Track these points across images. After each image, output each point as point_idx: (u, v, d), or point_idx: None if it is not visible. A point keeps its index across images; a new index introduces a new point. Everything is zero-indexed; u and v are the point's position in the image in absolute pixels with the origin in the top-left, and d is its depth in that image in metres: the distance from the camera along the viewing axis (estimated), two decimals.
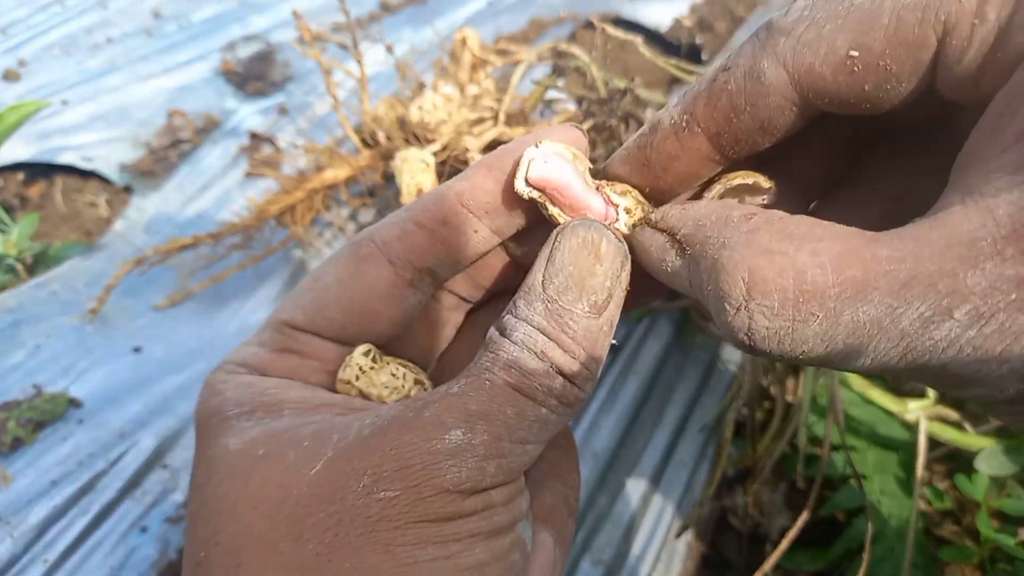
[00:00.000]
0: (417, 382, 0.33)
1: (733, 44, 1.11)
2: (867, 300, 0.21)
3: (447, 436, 0.26)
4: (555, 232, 0.28)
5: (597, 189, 0.30)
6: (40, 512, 0.60)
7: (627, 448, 0.72)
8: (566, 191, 0.29)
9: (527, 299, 0.28)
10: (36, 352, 0.70)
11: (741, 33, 1.13)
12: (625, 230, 0.30)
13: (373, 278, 0.32)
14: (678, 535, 0.61)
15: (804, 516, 0.51)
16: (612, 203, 0.30)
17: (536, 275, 0.28)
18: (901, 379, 0.24)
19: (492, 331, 0.28)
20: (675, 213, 0.27)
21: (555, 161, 0.29)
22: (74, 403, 0.67)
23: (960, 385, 0.22)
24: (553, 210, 0.30)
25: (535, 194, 0.29)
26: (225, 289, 0.77)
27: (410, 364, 0.34)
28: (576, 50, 0.68)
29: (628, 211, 0.30)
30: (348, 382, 0.32)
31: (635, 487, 0.70)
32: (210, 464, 0.29)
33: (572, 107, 0.70)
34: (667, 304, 0.75)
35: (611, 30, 0.67)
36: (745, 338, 0.23)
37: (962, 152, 0.22)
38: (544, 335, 0.27)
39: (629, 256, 0.28)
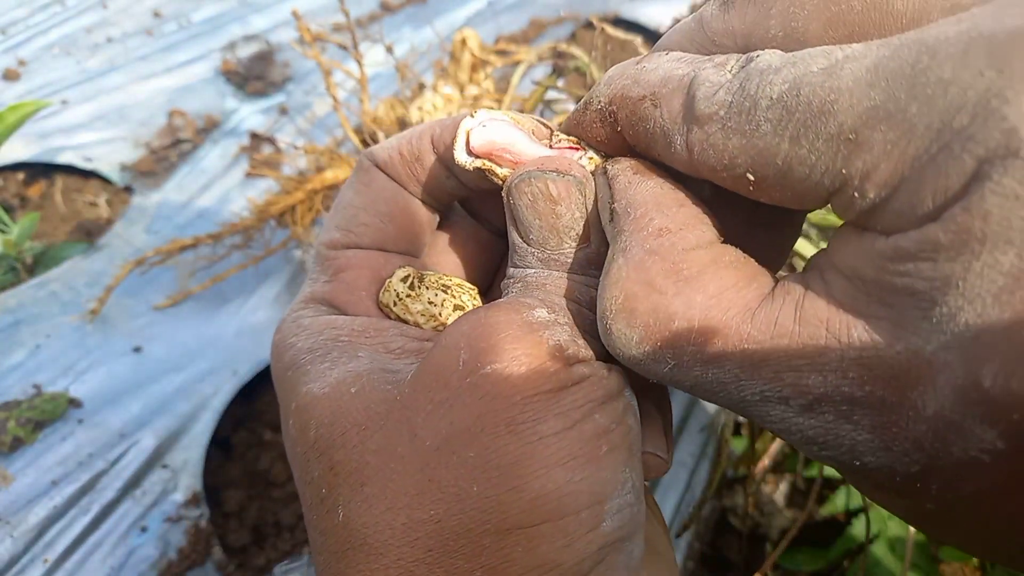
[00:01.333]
0: (457, 307, 0.32)
1: None
2: (719, 367, 0.23)
3: (535, 311, 0.26)
4: (504, 194, 0.28)
5: (551, 144, 0.30)
6: (40, 512, 0.60)
7: None
8: (513, 148, 0.28)
9: (518, 256, 0.29)
10: (36, 352, 0.70)
11: None
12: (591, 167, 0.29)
13: (380, 187, 0.33)
14: (677, 535, 0.61)
15: (804, 516, 0.51)
16: (571, 148, 0.30)
17: (514, 237, 0.29)
18: None
19: (503, 284, 0.29)
20: (623, 178, 0.27)
21: (494, 124, 0.29)
22: (74, 403, 0.67)
23: (795, 444, 0.23)
24: (503, 172, 0.29)
25: (479, 163, 0.29)
26: (225, 289, 0.77)
27: (454, 283, 0.33)
28: (576, 50, 0.68)
29: (590, 159, 0.30)
30: (387, 306, 0.32)
31: None
32: (301, 412, 0.29)
33: (572, 107, 0.70)
34: None
35: (610, 30, 0.67)
36: (604, 340, 0.25)
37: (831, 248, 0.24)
38: (541, 301, 0.28)
39: (587, 178, 0.28)
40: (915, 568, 0.59)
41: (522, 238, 0.29)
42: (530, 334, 0.25)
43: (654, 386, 0.31)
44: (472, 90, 0.70)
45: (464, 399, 0.25)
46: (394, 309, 0.32)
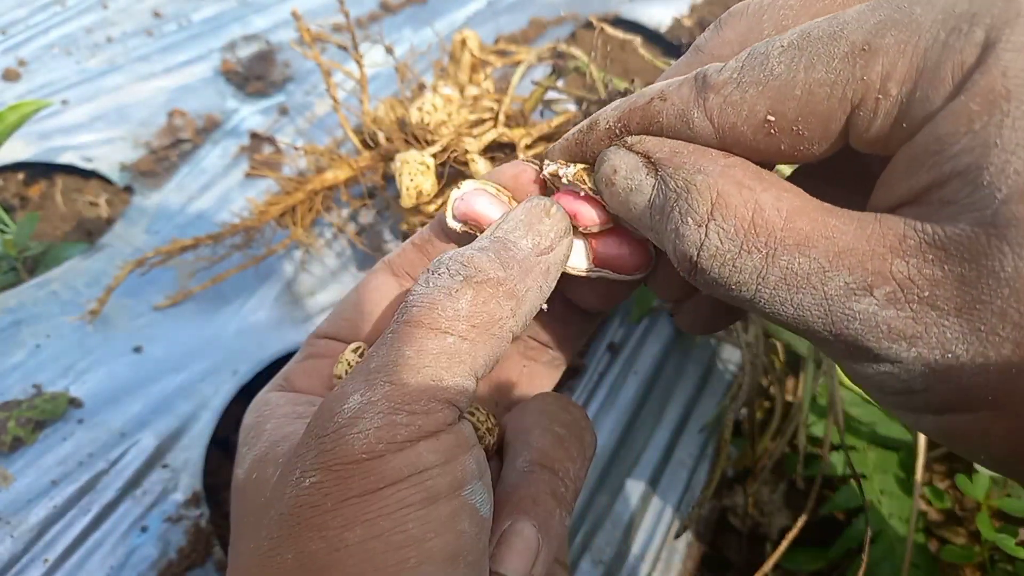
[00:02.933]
0: None
1: None
2: (805, 254, 0.23)
3: (346, 404, 0.25)
4: (518, 204, 0.32)
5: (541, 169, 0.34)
6: (40, 512, 0.60)
7: (627, 448, 0.72)
8: (484, 219, 0.33)
9: (474, 241, 0.30)
10: (36, 352, 0.70)
11: None
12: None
13: (378, 283, 0.36)
14: (677, 535, 0.61)
15: (804, 516, 0.51)
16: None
17: (487, 231, 0.31)
18: (813, 342, 0.26)
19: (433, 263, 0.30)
20: (651, 140, 0.29)
21: (471, 196, 0.33)
22: (74, 403, 0.67)
23: (870, 360, 0.24)
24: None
25: (463, 227, 0.33)
26: (225, 289, 0.77)
27: None
28: (576, 51, 0.68)
29: (582, 168, 0.33)
30: (339, 376, 0.34)
31: (635, 487, 0.70)
32: (232, 494, 0.32)
33: (572, 108, 0.70)
34: (667, 304, 0.75)
35: (610, 30, 0.67)
36: (694, 253, 0.25)
37: (880, 184, 0.25)
38: (478, 251, 0.28)
39: (572, 233, 0.31)
40: (915, 568, 0.59)
41: (494, 229, 0.31)
42: (340, 440, 0.25)
43: (539, 502, 0.31)
44: (472, 90, 0.70)
45: (292, 509, 0.25)
46: (345, 378, 0.34)
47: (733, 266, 0.25)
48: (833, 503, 0.64)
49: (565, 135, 0.33)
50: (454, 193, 0.33)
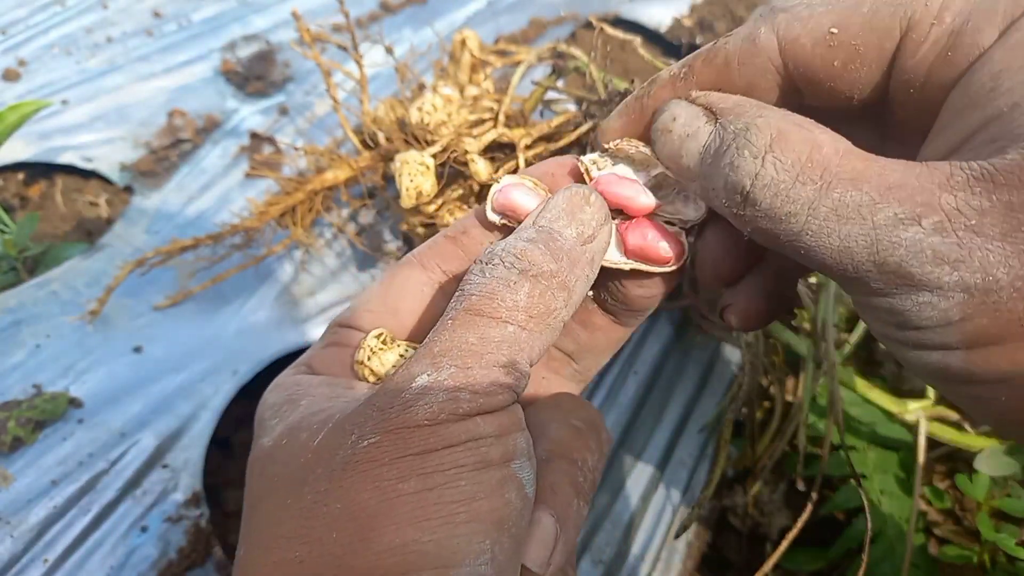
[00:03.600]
0: None
1: None
2: (857, 188, 0.25)
3: (414, 382, 0.27)
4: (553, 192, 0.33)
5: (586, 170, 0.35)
6: (40, 512, 0.60)
7: (627, 448, 0.72)
8: (522, 210, 0.34)
9: (517, 231, 0.31)
10: (36, 352, 0.70)
11: None
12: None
13: (405, 277, 0.36)
14: (677, 535, 0.61)
15: (804, 516, 0.51)
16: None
17: (529, 218, 0.32)
18: (850, 279, 0.27)
19: (472, 263, 0.31)
20: (715, 95, 0.30)
21: (509, 190, 0.34)
22: (74, 403, 0.67)
23: (910, 288, 0.25)
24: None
25: (502, 219, 0.34)
26: (226, 289, 0.77)
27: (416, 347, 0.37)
28: (576, 51, 0.68)
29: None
30: (361, 362, 0.35)
31: (635, 487, 0.70)
32: (250, 463, 0.32)
33: (572, 108, 0.70)
34: (667, 304, 0.75)
35: (610, 30, 0.67)
36: (747, 183, 0.26)
37: (930, 136, 0.27)
38: (528, 243, 0.29)
39: (611, 221, 0.32)
40: (915, 568, 0.59)
41: (535, 218, 0.32)
42: (404, 409, 0.27)
43: (557, 491, 0.32)
44: (472, 91, 0.70)
45: (345, 465, 0.27)
46: (368, 364, 0.34)
47: (787, 196, 0.26)
48: (833, 503, 0.64)
49: (623, 101, 0.34)
50: (494, 187, 0.35)
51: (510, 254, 0.29)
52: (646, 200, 0.34)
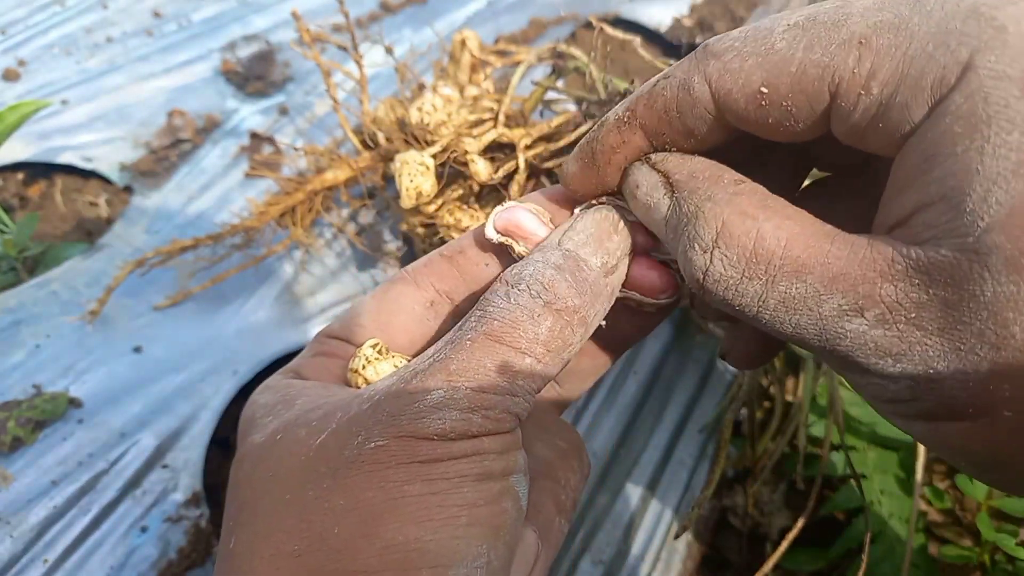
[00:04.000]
0: None
1: None
2: (802, 280, 0.25)
3: (429, 395, 0.28)
4: (579, 208, 0.33)
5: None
6: (40, 512, 0.60)
7: (627, 448, 0.72)
8: (525, 228, 0.34)
9: (543, 250, 0.31)
10: (36, 352, 0.70)
11: None
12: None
13: (398, 293, 0.36)
14: (677, 536, 0.61)
15: (804, 516, 0.51)
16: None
17: (555, 236, 0.32)
18: (816, 356, 0.28)
19: (488, 293, 0.30)
20: (674, 159, 0.30)
21: (511, 210, 0.34)
22: (74, 403, 0.67)
23: (861, 372, 0.26)
24: (520, 249, 0.34)
25: (502, 238, 0.34)
26: (226, 289, 0.77)
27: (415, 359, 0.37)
28: (576, 51, 0.68)
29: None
30: (356, 370, 0.35)
31: (635, 487, 0.70)
32: (240, 459, 0.32)
33: (572, 108, 0.70)
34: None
35: (610, 31, 0.67)
36: (700, 276, 0.27)
37: (881, 204, 0.27)
38: (556, 270, 0.30)
39: (631, 251, 0.32)
40: (915, 568, 0.59)
41: (562, 239, 0.31)
42: (418, 419, 0.27)
43: (540, 509, 0.33)
44: (472, 91, 0.70)
45: (350, 464, 0.27)
46: (363, 372, 0.35)
47: (736, 290, 0.27)
48: (833, 503, 0.64)
49: (578, 143, 0.34)
50: (497, 208, 0.35)
51: (538, 282, 0.29)
52: (643, 240, 0.34)
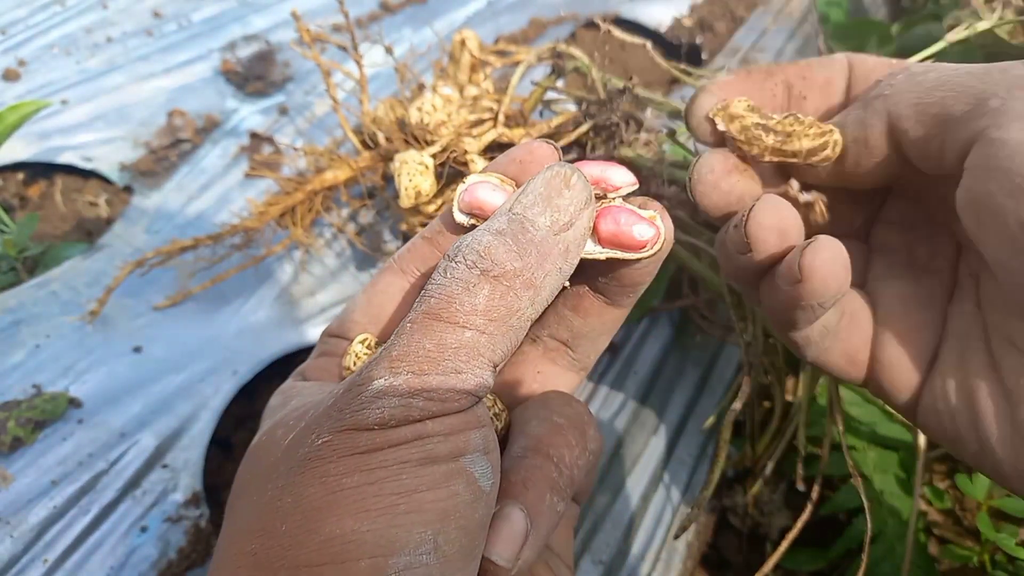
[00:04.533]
0: None
1: (733, 44, 1.11)
2: None
3: (372, 384, 0.27)
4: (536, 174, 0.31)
5: None
6: (40, 512, 0.60)
7: (627, 448, 0.72)
8: (486, 205, 0.33)
9: (491, 219, 0.30)
10: (36, 352, 0.70)
11: (741, 33, 1.13)
12: None
13: (386, 283, 0.36)
14: (677, 536, 0.61)
15: (805, 516, 0.51)
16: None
17: (506, 202, 0.30)
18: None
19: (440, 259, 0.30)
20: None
21: (475, 187, 0.33)
22: (74, 403, 0.67)
23: None
24: None
25: (470, 219, 0.33)
26: (226, 289, 0.77)
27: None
28: (576, 51, 0.68)
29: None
30: (348, 368, 0.35)
31: (635, 487, 0.70)
32: (245, 456, 0.33)
33: (572, 108, 0.70)
34: (667, 304, 0.75)
35: (618, 33, 0.67)
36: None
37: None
38: (495, 235, 0.28)
39: (595, 204, 0.31)
40: (915, 568, 0.59)
41: (512, 203, 0.30)
42: (358, 411, 0.27)
43: (529, 486, 0.32)
44: (472, 91, 0.70)
45: (300, 463, 0.28)
46: (353, 369, 0.35)
47: None
48: (833, 503, 0.64)
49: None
50: (460, 187, 0.33)
51: (473, 251, 0.28)
52: (623, 177, 0.33)
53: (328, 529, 0.26)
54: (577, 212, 0.30)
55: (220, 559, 0.29)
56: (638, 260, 0.33)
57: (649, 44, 0.67)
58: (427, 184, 0.61)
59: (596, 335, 0.38)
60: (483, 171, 0.34)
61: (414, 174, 0.60)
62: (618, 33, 0.66)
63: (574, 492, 0.35)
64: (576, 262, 0.31)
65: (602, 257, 0.32)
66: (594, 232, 0.32)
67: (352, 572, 0.26)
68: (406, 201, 0.61)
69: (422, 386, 0.27)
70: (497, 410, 0.36)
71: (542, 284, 0.29)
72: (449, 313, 0.27)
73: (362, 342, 0.35)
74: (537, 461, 0.33)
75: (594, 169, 0.33)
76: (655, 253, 0.33)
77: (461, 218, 0.33)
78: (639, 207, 0.33)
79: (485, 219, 0.32)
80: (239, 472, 0.33)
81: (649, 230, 0.32)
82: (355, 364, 0.35)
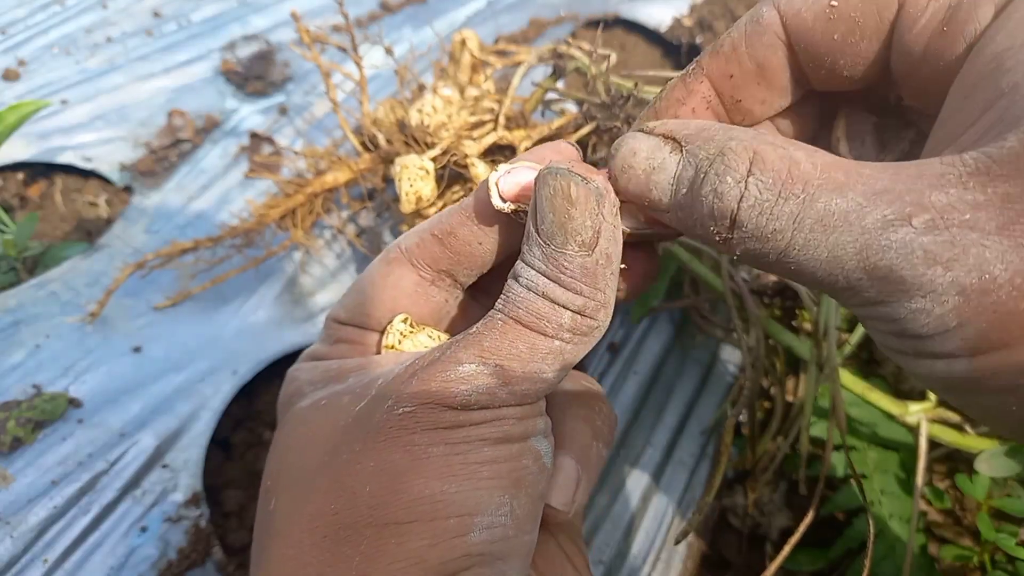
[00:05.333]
0: None
1: None
2: (842, 196, 0.24)
3: (461, 367, 0.30)
4: (534, 183, 0.31)
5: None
6: (40, 512, 0.60)
7: (627, 448, 0.72)
8: (531, 190, 0.32)
9: (528, 245, 0.31)
10: (36, 352, 0.70)
11: None
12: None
13: (399, 277, 0.37)
14: (677, 542, 0.61)
15: (807, 517, 0.51)
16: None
17: (530, 224, 0.31)
18: (841, 291, 0.26)
19: (509, 278, 0.31)
20: (673, 122, 0.30)
21: (517, 171, 0.33)
22: (74, 403, 0.67)
23: (903, 295, 0.24)
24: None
25: (513, 206, 0.33)
26: (225, 289, 0.77)
27: (442, 334, 0.39)
28: (576, 51, 0.68)
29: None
30: (392, 346, 0.36)
31: (635, 487, 0.70)
32: (283, 423, 0.35)
33: (572, 108, 0.70)
34: (667, 304, 0.75)
35: (601, 37, 0.66)
36: (734, 207, 0.26)
37: (935, 127, 0.27)
38: (544, 276, 0.30)
39: (606, 193, 0.30)
40: (915, 568, 0.59)
41: (535, 226, 0.31)
42: (445, 389, 0.29)
43: (576, 436, 0.35)
44: (472, 91, 0.70)
45: (380, 429, 0.30)
46: (400, 347, 0.36)
47: (771, 214, 0.25)
48: (833, 503, 0.64)
49: (653, 100, 0.34)
50: (494, 175, 0.33)
51: (536, 288, 0.30)
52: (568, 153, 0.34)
53: (416, 490, 0.28)
54: (595, 220, 0.30)
55: (289, 518, 0.30)
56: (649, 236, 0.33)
57: (613, 56, 0.65)
58: (428, 189, 0.61)
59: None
60: (516, 159, 0.34)
61: (415, 179, 0.60)
62: (601, 38, 0.66)
63: (611, 443, 0.38)
64: (620, 256, 0.32)
65: (637, 233, 0.33)
66: (640, 212, 0.32)
67: (440, 529, 0.28)
68: (407, 206, 0.61)
69: (508, 379, 0.29)
70: None
71: (607, 298, 0.31)
72: (540, 327, 0.30)
73: (404, 320, 0.37)
74: (581, 412, 0.36)
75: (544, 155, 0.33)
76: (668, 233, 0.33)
77: (502, 206, 0.33)
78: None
79: (527, 206, 0.32)
80: (285, 434, 0.34)
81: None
82: (400, 342, 0.36)
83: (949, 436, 0.60)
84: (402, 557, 0.28)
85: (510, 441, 0.30)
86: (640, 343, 0.79)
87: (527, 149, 0.63)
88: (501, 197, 0.33)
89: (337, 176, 0.69)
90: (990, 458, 0.58)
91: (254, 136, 0.93)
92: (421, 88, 0.76)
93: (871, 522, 0.47)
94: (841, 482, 0.66)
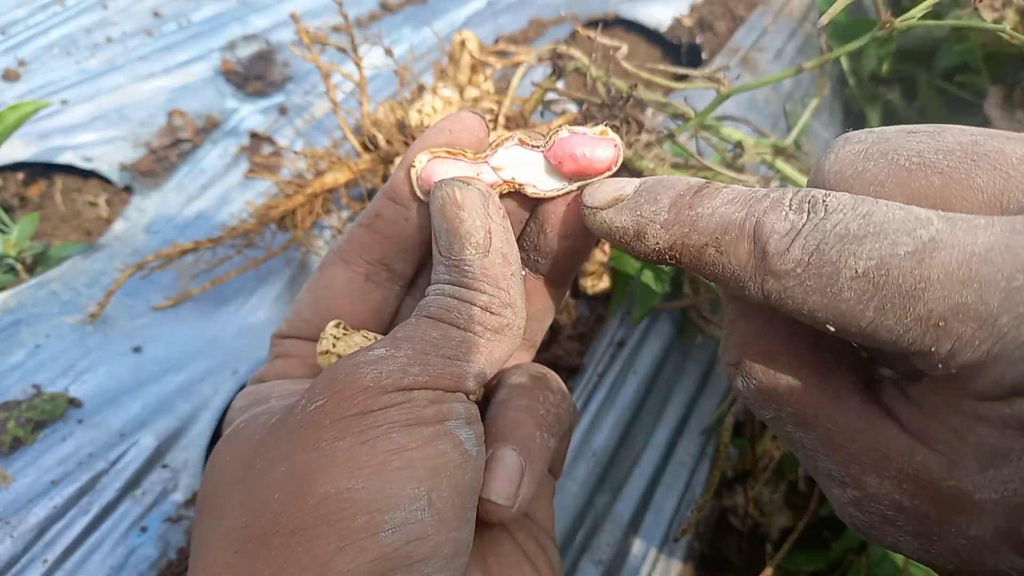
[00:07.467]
0: None
1: (733, 44, 1.11)
2: (806, 433, 0.27)
3: (371, 351, 0.29)
4: (429, 202, 0.33)
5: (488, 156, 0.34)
6: (40, 512, 0.60)
7: (627, 448, 0.72)
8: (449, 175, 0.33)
9: (435, 263, 0.33)
10: (36, 352, 0.70)
11: (741, 33, 1.13)
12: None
13: (330, 277, 0.37)
14: (676, 540, 0.61)
15: (806, 517, 0.51)
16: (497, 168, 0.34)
17: (434, 246, 0.33)
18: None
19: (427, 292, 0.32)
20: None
21: (430, 167, 0.34)
22: (74, 403, 0.67)
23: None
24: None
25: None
26: (225, 289, 0.77)
27: (378, 334, 0.38)
28: (576, 52, 0.68)
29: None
30: (326, 352, 0.36)
31: (635, 487, 0.70)
32: (212, 456, 0.33)
33: (572, 109, 0.70)
34: (667, 304, 0.75)
35: (601, 39, 0.66)
36: (731, 378, 0.30)
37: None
38: (450, 284, 0.31)
39: (489, 192, 0.32)
40: (915, 568, 0.59)
41: (436, 246, 0.32)
42: (353, 374, 0.28)
43: (518, 427, 0.34)
44: (472, 92, 0.70)
45: (292, 430, 0.28)
46: (334, 351, 0.36)
47: (752, 403, 0.29)
48: None
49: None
50: (412, 171, 0.34)
51: (445, 293, 0.31)
52: (606, 153, 0.33)
53: (322, 490, 0.27)
54: (485, 220, 0.31)
55: (208, 540, 0.29)
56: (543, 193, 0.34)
57: (625, 48, 0.66)
58: None
59: (540, 315, 0.39)
60: (426, 148, 0.34)
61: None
62: (601, 40, 0.66)
63: (561, 432, 0.36)
64: (517, 257, 0.33)
65: (574, 188, 0.33)
66: (556, 169, 0.33)
67: (347, 529, 0.26)
68: None
69: (420, 361, 0.29)
70: None
71: (512, 296, 0.31)
72: (451, 318, 0.30)
73: (336, 325, 0.36)
74: (523, 402, 0.35)
75: (583, 150, 0.33)
76: (618, 167, 0.34)
77: (423, 197, 0.35)
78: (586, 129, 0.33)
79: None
80: (212, 465, 0.33)
81: (608, 149, 0.32)
82: (334, 345, 0.35)
83: None
84: (311, 564, 0.26)
85: (422, 424, 0.28)
86: (640, 343, 0.79)
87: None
88: (422, 192, 0.34)
89: (337, 176, 0.69)
90: None
91: (254, 136, 0.93)
92: (421, 88, 0.76)
93: None
94: None
